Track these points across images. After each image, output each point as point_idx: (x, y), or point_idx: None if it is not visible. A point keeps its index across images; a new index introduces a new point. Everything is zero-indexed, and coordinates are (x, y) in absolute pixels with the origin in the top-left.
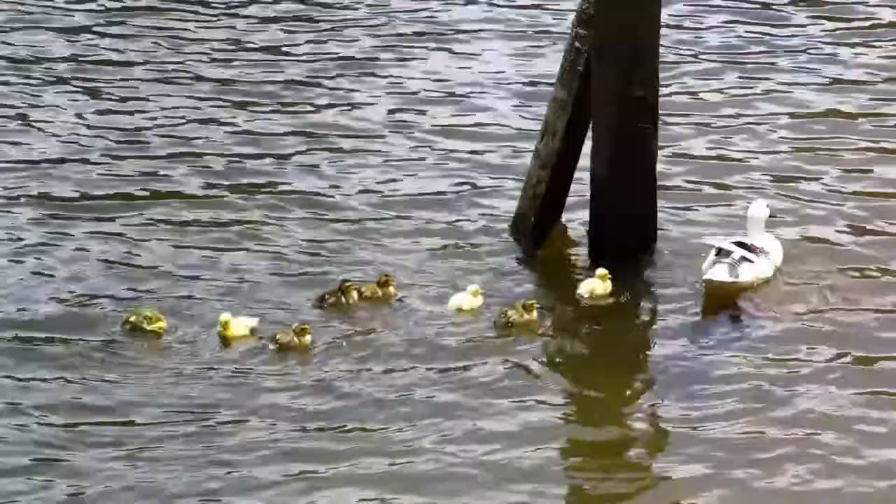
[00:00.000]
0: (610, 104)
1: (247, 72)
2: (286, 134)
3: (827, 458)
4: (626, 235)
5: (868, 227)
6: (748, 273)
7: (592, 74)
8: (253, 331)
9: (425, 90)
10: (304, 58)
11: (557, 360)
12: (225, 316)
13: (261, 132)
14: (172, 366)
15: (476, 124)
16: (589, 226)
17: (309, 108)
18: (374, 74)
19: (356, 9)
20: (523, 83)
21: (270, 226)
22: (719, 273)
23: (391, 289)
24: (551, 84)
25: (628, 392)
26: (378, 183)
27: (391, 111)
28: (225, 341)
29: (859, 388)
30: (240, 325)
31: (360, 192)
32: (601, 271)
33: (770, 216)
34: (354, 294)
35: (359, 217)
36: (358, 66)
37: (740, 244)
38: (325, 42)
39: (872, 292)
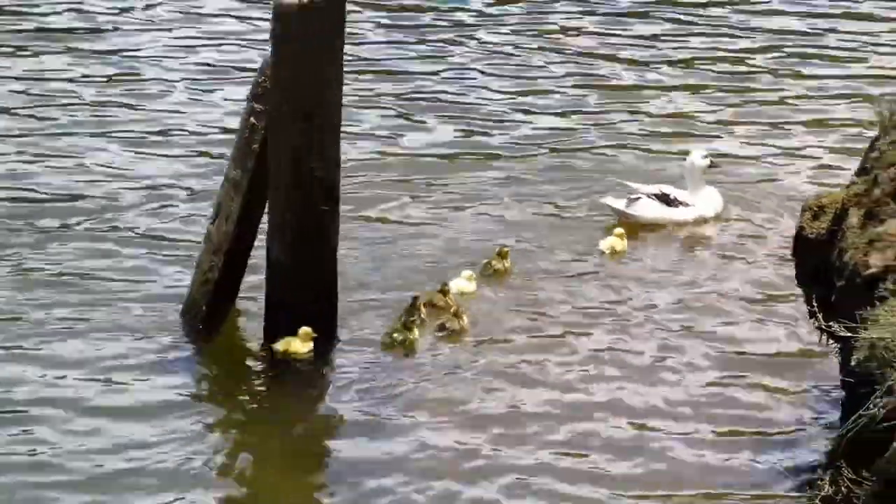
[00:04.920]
0: (287, 185)
1: None
2: None
3: None
4: (305, 323)
5: None
6: (642, 210)
7: (269, 153)
8: None
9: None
10: None
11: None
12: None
13: None
14: None
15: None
16: (265, 313)
17: None
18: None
19: None
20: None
21: None
22: (615, 201)
23: (450, 298)
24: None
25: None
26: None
27: None
28: None
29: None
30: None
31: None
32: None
33: (710, 166)
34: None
35: None
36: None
37: (660, 192)
38: None
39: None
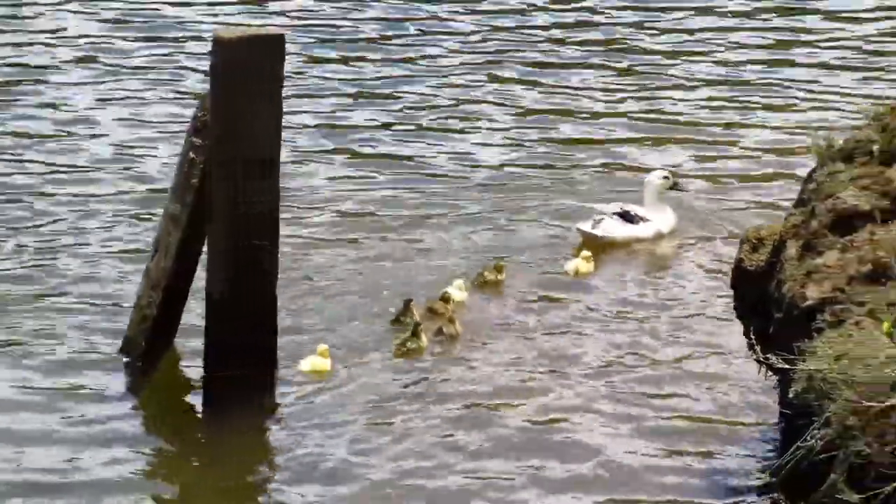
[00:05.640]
0: (226, 220)
1: None
2: None
3: None
4: (243, 361)
5: None
6: (609, 230)
7: (208, 188)
8: None
9: None
10: None
11: None
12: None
13: None
14: None
15: None
16: (204, 347)
17: None
18: None
19: None
20: None
21: None
22: (584, 224)
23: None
24: None
25: None
26: None
27: None
28: None
29: None
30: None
31: None
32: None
33: (671, 187)
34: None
35: None
36: None
37: (622, 210)
38: None
39: None
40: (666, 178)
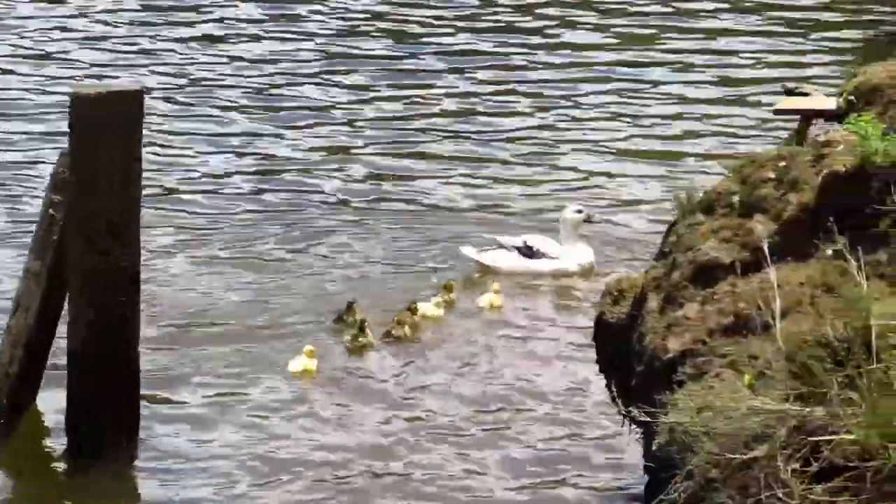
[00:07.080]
0: (86, 276)
1: None
2: None
3: None
4: (105, 420)
5: None
6: (497, 260)
7: (67, 244)
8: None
9: None
10: None
11: None
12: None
13: None
14: None
15: None
16: (66, 405)
17: None
18: None
19: None
20: None
21: None
22: (470, 250)
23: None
24: None
25: None
26: None
27: None
28: None
29: None
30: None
31: None
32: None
33: (586, 220)
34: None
35: None
36: None
37: (523, 244)
38: None
39: None
40: (579, 212)
